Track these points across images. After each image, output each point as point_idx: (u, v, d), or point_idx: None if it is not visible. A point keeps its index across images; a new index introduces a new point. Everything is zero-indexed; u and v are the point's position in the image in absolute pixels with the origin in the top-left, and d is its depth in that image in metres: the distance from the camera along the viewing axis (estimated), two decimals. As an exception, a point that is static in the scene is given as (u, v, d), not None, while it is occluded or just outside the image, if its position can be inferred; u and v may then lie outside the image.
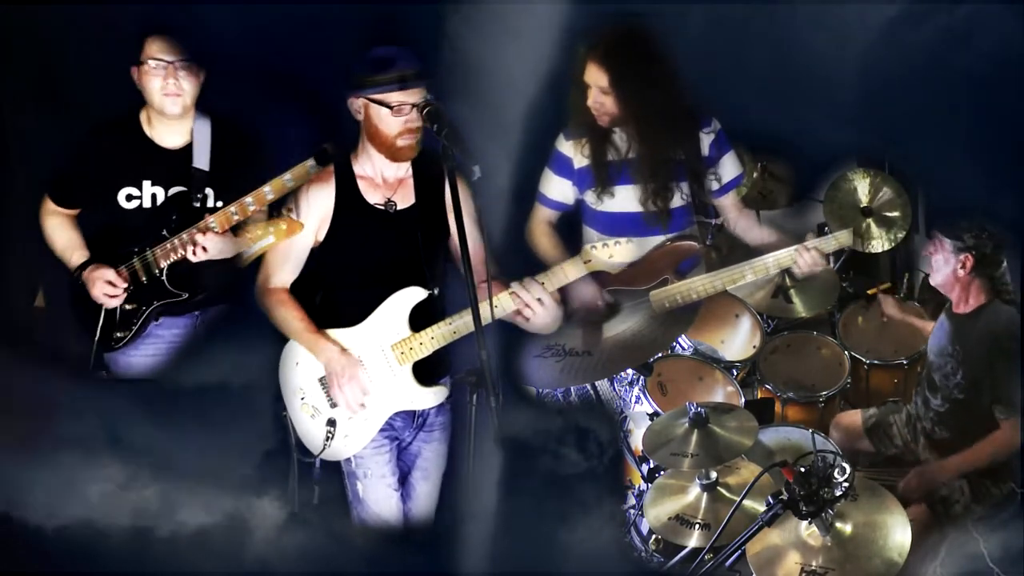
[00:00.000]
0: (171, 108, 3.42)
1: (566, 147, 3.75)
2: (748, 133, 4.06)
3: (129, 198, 3.46)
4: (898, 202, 4.73)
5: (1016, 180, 3.45)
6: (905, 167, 4.64)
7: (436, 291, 3.42)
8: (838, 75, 3.60)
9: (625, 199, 3.74)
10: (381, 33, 3.39)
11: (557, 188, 3.80)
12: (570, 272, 3.36)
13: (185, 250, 3.39)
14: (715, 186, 3.78)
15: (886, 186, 4.75)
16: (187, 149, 3.48)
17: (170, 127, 3.47)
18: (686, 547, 3.33)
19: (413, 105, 3.24)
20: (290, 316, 3.42)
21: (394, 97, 3.24)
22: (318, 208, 3.38)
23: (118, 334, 3.54)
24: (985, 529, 3.43)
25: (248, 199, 3.36)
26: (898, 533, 2.96)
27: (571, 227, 3.89)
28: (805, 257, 3.50)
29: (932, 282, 3.77)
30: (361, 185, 3.41)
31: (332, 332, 3.42)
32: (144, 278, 3.49)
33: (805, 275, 3.59)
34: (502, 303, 3.27)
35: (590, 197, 3.76)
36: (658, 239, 3.69)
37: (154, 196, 3.47)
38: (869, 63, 3.57)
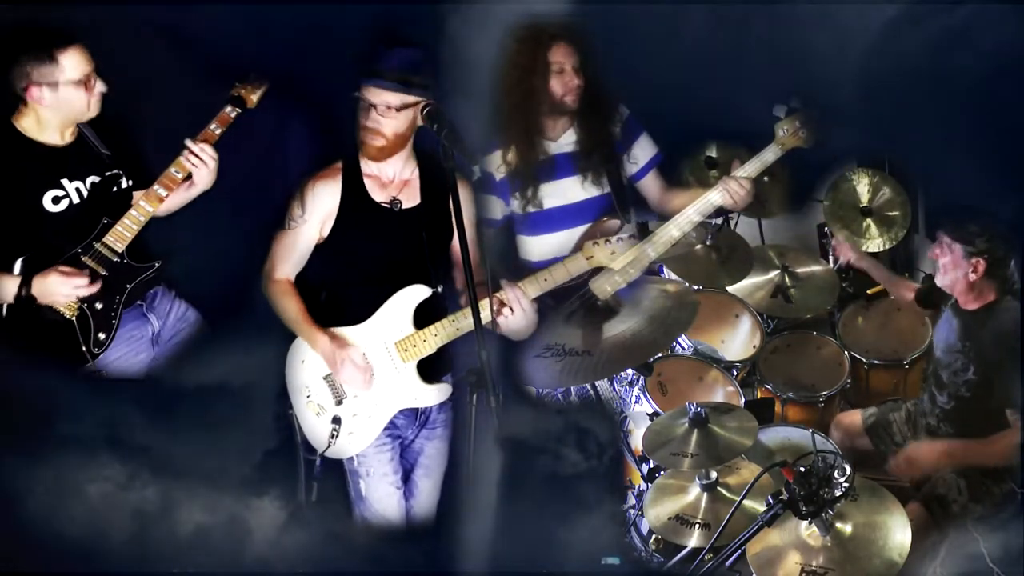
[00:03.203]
0: (96, 111, 3.36)
1: (487, 163, 3.72)
2: (748, 133, 4.06)
3: (56, 200, 3.36)
4: (898, 202, 4.73)
5: (1016, 180, 3.45)
6: (905, 167, 4.64)
7: (440, 289, 3.43)
8: (838, 75, 3.60)
9: (554, 194, 3.73)
10: (381, 33, 3.39)
11: (489, 207, 3.78)
12: (572, 268, 3.38)
13: (190, 162, 3.41)
14: (633, 169, 3.81)
15: (886, 186, 4.74)
16: (78, 142, 3.41)
17: (61, 128, 3.36)
18: (686, 547, 3.33)
19: (389, 106, 3.26)
20: (290, 306, 3.45)
21: (367, 93, 3.26)
22: (323, 204, 3.41)
23: (100, 335, 3.51)
24: (985, 529, 3.43)
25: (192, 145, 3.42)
26: (898, 533, 2.97)
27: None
28: (732, 186, 3.50)
29: (939, 283, 3.74)
30: (367, 183, 3.43)
31: (337, 330, 3.44)
32: (103, 271, 3.43)
33: (741, 206, 3.57)
34: (486, 309, 3.28)
35: (516, 204, 3.74)
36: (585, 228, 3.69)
37: (79, 190, 3.40)
38: (869, 63, 3.57)
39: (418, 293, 3.41)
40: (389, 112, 3.27)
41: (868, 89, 3.65)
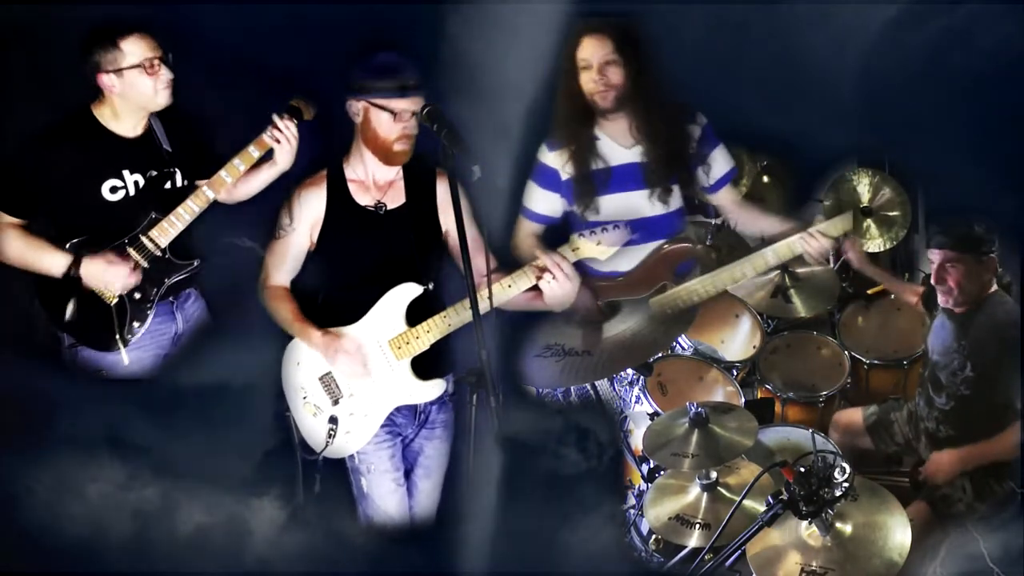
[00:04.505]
0: (166, 100, 3.47)
1: (550, 158, 3.70)
2: (748, 133, 4.06)
3: (114, 190, 3.47)
4: (898, 202, 4.73)
5: (1016, 180, 3.45)
6: (905, 167, 4.64)
7: (431, 286, 3.46)
8: (838, 75, 3.60)
9: (617, 206, 3.70)
10: (381, 33, 3.39)
11: (544, 202, 3.75)
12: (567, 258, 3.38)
13: (275, 139, 3.48)
14: (706, 182, 3.75)
15: (886, 186, 4.75)
16: (147, 136, 3.53)
17: (134, 118, 3.49)
18: (686, 547, 3.32)
19: (413, 113, 3.29)
20: (283, 309, 3.51)
21: (397, 104, 3.28)
22: (310, 211, 3.46)
23: (135, 324, 3.57)
24: (985, 529, 3.43)
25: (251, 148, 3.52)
26: (898, 533, 2.96)
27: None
28: (813, 244, 3.42)
29: (942, 304, 3.76)
30: (352, 188, 3.47)
31: (332, 330, 3.45)
32: (145, 263, 3.52)
33: (816, 261, 3.53)
34: (517, 283, 3.31)
35: (579, 208, 3.71)
36: (653, 245, 3.66)
37: (136, 183, 3.50)
38: (869, 63, 3.57)
39: (409, 291, 3.43)
40: (412, 118, 3.31)
41: (868, 89, 3.65)
